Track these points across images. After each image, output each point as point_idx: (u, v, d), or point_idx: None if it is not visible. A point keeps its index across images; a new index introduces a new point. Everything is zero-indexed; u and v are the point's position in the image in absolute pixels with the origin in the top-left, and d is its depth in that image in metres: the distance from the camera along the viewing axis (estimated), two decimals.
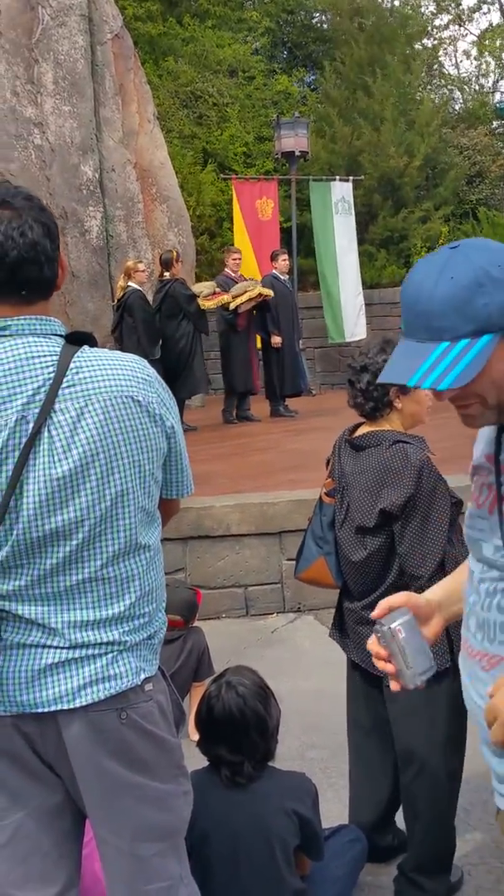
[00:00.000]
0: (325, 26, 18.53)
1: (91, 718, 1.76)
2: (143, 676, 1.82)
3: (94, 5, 10.79)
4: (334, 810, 3.14)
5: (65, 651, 1.74)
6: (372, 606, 2.61)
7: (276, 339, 10.25)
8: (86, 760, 1.78)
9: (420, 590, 2.50)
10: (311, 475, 6.57)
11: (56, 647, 1.74)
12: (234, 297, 9.80)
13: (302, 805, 2.40)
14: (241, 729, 2.38)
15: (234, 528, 5.71)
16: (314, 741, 3.84)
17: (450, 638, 2.55)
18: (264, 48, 17.23)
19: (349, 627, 2.79)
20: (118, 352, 1.86)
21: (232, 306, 9.84)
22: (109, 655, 1.77)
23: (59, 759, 1.81)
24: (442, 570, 2.50)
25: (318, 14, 18.56)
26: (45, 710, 1.73)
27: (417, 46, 18.03)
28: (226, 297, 9.52)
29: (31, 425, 1.66)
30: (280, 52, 18.01)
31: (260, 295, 9.86)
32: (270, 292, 10.04)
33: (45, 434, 1.67)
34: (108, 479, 1.73)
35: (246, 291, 9.92)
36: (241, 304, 9.80)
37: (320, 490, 2.84)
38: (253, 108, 16.06)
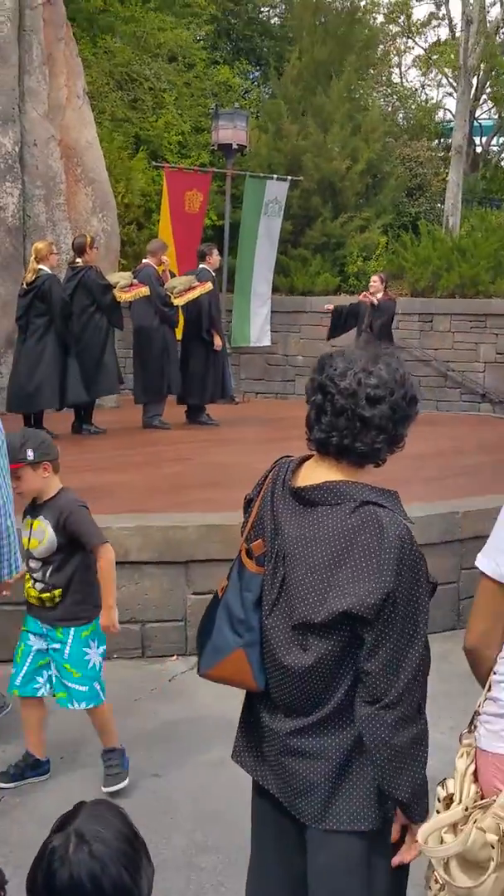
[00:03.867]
0: (273, 21, 17.92)
1: None
2: None
3: None
4: None
5: None
6: (307, 731, 1.85)
7: (219, 342, 9.64)
8: None
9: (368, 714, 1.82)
10: (227, 494, 5.89)
11: None
12: (180, 294, 9.12)
13: None
14: None
15: (134, 554, 4.96)
16: (208, 839, 3.11)
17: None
18: (208, 37, 16.49)
19: (268, 753, 2.01)
20: None
21: (180, 302, 9.15)
22: None
23: None
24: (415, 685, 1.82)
25: (265, 9, 17.95)
26: None
27: (368, 53, 17.60)
28: (143, 290, 8.78)
29: None
30: (224, 42, 17.27)
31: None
32: (210, 286, 9.44)
33: None
34: None
35: (193, 287, 9.23)
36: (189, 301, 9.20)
37: (239, 547, 2.05)
38: (192, 97, 15.30)
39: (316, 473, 1.95)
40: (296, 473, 1.99)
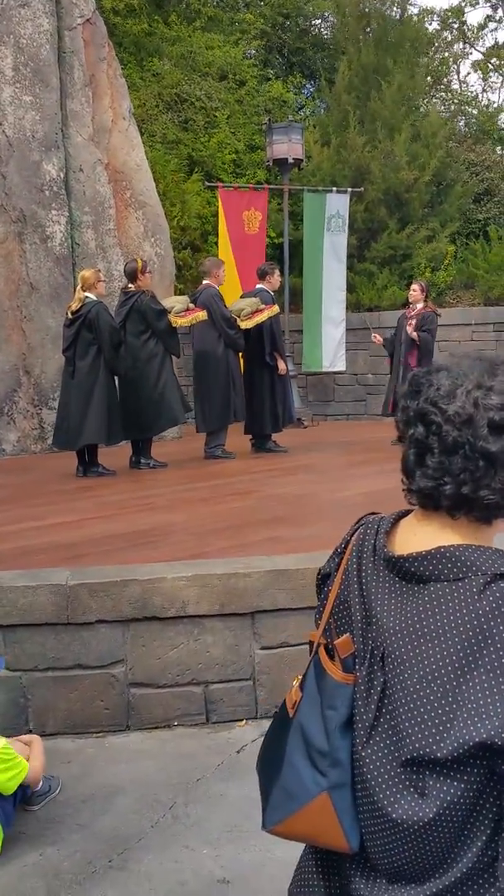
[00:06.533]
0: (324, 32, 17.38)
1: None
2: None
3: None
4: None
5: None
6: None
7: (283, 366, 9.01)
8: None
9: None
10: (294, 532, 5.24)
11: None
12: (247, 318, 8.56)
13: None
14: None
15: (192, 606, 4.32)
16: None
17: None
18: (258, 52, 16.04)
19: None
20: None
21: (248, 325, 8.58)
22: None
23: None
24: None
25: (317, 21, 17.43)
26: None
27: (423, 59, 16.94)
28: (200, 315, 8.22)
29: None
30: (275, 57, 16.80)
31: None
32: (277, 309, 8.88)
33: None
34: None
35: (260, 310, 8.66)
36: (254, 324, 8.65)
37: (314, 642, 1.42)
38: (244, 115, 14.83)
39: (422, 536, 1.31)
40: (391, 536, 1.36)
